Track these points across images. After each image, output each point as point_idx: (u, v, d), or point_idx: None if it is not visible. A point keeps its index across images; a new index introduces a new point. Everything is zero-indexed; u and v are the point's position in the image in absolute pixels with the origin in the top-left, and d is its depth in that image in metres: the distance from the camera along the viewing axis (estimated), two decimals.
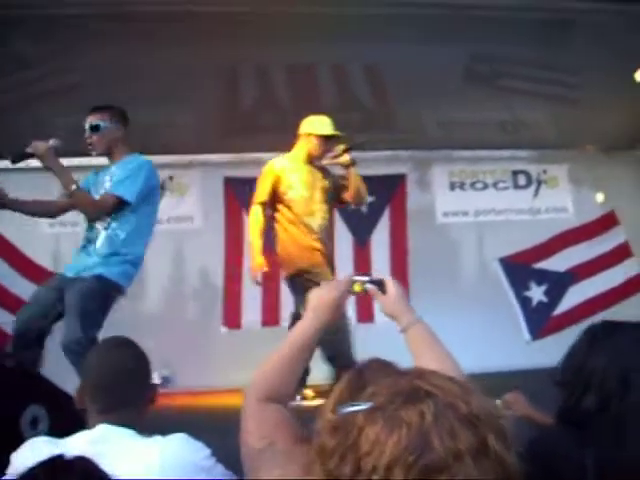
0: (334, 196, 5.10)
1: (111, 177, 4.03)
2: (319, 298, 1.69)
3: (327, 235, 5.01)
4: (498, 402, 2.07)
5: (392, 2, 5.19)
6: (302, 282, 4.65)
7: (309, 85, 6.33)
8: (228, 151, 6.56)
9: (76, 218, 6.57)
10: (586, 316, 5.88)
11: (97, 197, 4.01)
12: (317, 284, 4.39)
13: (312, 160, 5.07)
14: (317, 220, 4.92)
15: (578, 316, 6.22)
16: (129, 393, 1.86)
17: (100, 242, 3.92)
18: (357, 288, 1.74)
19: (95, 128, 4.05)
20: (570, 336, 1.82)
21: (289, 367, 1.58)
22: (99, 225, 3.98)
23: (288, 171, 4.97)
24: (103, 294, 3.75)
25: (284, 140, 6.68)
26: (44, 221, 6.56)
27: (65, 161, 6.43)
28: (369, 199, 6.82)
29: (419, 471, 0.76)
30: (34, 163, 4.22)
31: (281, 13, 5.33)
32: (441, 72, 5.80)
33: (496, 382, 4.94)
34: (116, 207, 3.92)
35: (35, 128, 6.26)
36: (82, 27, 5.33)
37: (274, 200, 4.93)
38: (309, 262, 4.80)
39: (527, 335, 6.57)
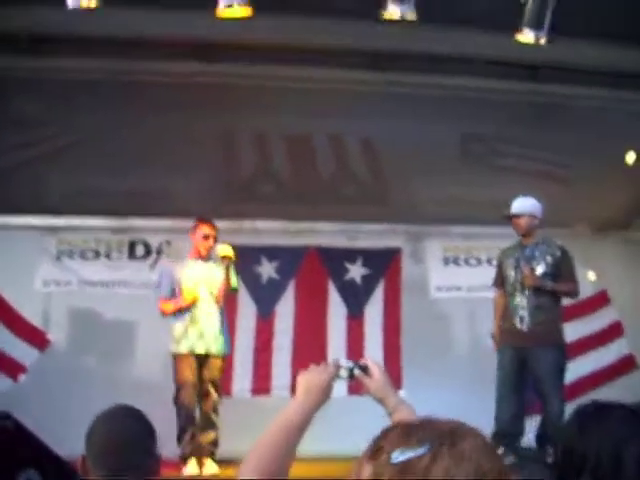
0: None
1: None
2: (310, 381, 1.73)
3: None
4: None
5: (392, 81, 5.35)
6: None
7: (307, 157, 6.45)
8: (226, 218, 6.61)
9: (69, 277, 6.65)
10: (577, 395, 5.85)
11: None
12: None
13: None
14: None
15: (571, 394, 6.15)
16: (133, 461, 1.84)
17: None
18: (342, 373, 1.79)
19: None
20: None
21: (282, 448, 1.60)
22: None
23: None
24: None
25: (281, 209, 6.78)
26: (38, 279, 6.61)
27: (62, 220, 6.62)
28: (364, 271, 6.89)
29: None
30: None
31: (283, 87, 5.49)
32: (437, 149, 5.94)
33: None
34: None
35: (33, 188, 6.34)
36: (81, 91, 5.45)
37: None
38: None
39: None
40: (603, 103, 5.77)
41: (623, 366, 6.79)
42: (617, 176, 6.33)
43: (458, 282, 7.02)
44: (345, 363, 1.81)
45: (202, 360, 5.20)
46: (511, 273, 5.27)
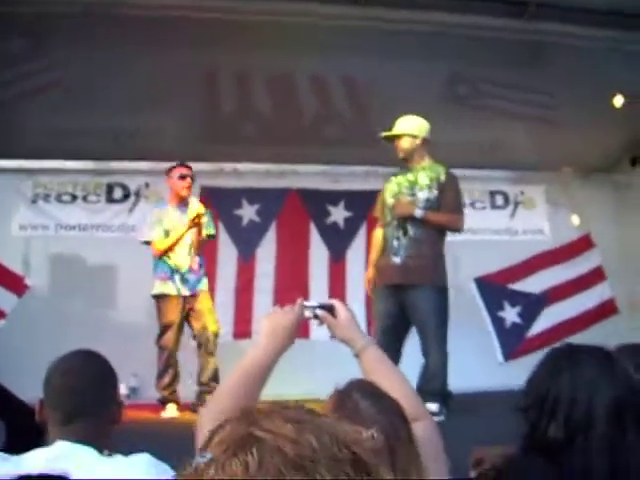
0: None
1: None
2: (274, 322, 1.71)
3: None
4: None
5: (376, 17, 5.18)
6: None
7: (289, 97, 6.29)
8: (206, 160, 6.48)
9: (46, 222, 6.53)
10: (559, 338, 5.84)
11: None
12: None
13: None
14: None
15: (551, 338, 6.18)
16: (91, 403, 1.78)
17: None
18: (307, 313, 1.76)
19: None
20: None
21: (245, 391, 1.57)
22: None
23: None
24: None
25: (262, 151, 6.66)
26: (15, 223, 6.49)
27: (37, 163, 6.48)
28: (346, 214, 6.82)
29: None
30: None
31: (264, 22, 5.31)
32: (422, 89, 5.79)
33: (468, 402, 4.91)
34: None
35: (7, 130, 6.13)
36: (59, 27, 5.23)
37: None
38: None
39: (500, 356, 6.54)
40: (592, 43, 5.63)
41: (604, 311, 6.81)
42: (604, 119, 6.23)
43: None
44: (309, 303, 1.77)
45: (190, 300, 5.13)
46: (390, 201, 4.74)
